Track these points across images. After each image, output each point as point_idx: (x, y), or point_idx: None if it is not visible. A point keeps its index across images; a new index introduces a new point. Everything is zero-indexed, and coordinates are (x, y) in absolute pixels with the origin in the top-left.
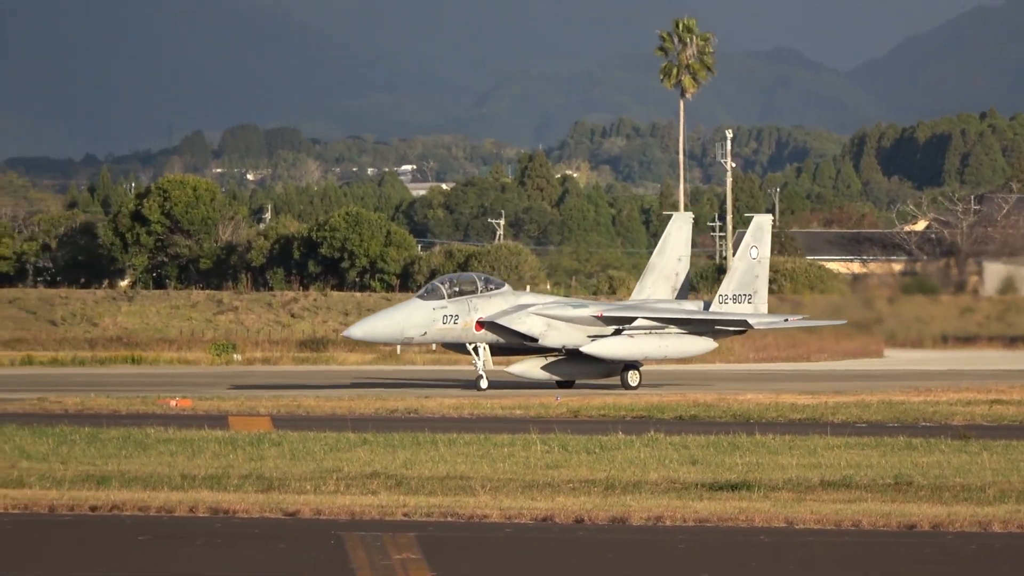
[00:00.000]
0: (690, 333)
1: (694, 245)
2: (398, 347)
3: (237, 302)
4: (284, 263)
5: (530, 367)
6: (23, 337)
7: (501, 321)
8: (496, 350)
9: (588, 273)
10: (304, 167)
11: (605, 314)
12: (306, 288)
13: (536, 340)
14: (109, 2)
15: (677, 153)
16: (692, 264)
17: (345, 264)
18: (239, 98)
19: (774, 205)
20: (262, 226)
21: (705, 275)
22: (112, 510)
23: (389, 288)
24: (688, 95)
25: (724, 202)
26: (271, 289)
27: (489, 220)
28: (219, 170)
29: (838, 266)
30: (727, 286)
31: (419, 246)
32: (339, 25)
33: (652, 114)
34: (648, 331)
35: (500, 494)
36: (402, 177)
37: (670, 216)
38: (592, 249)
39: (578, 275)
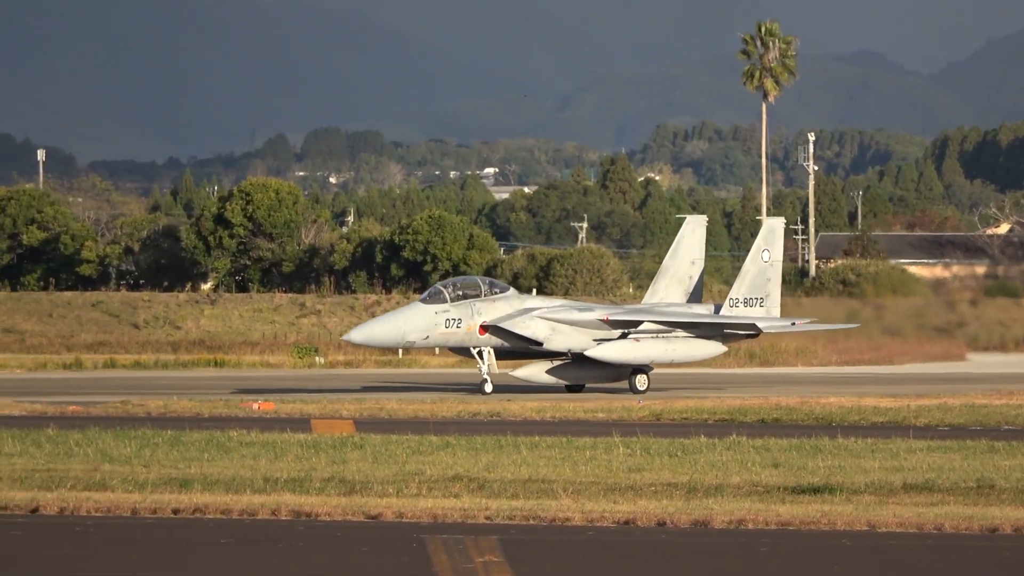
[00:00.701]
0: (698, 337)
1: None
2: (399, 351)
3: (320, 305)
4: (367, 266)
5: (535, 371)
6: (106, 340)
7: (505, 325)
8: (505, 355)
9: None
10: (386, 170)
11: (611, 318)
12: (389, 291)
13: (541, 344)
14: (192, 6)
15: (759, 156)
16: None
17: (428, 267)
18: (322, 101)
19: (856, 208)
20: (345, 229)
21: (787, 279)
22: (195, 513)
23: None
24: (770, 98)
25: (806, 205)
26: (354, 292)
27: (571, 223)
28: (302, 173)
29: (920, 269)
30: (738, 289)
31: (501, 249)
32: (422, 28)
33: (734, 117)
34: (655, 335)
35: (582, 497)
36: (484, 180)
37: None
38: None
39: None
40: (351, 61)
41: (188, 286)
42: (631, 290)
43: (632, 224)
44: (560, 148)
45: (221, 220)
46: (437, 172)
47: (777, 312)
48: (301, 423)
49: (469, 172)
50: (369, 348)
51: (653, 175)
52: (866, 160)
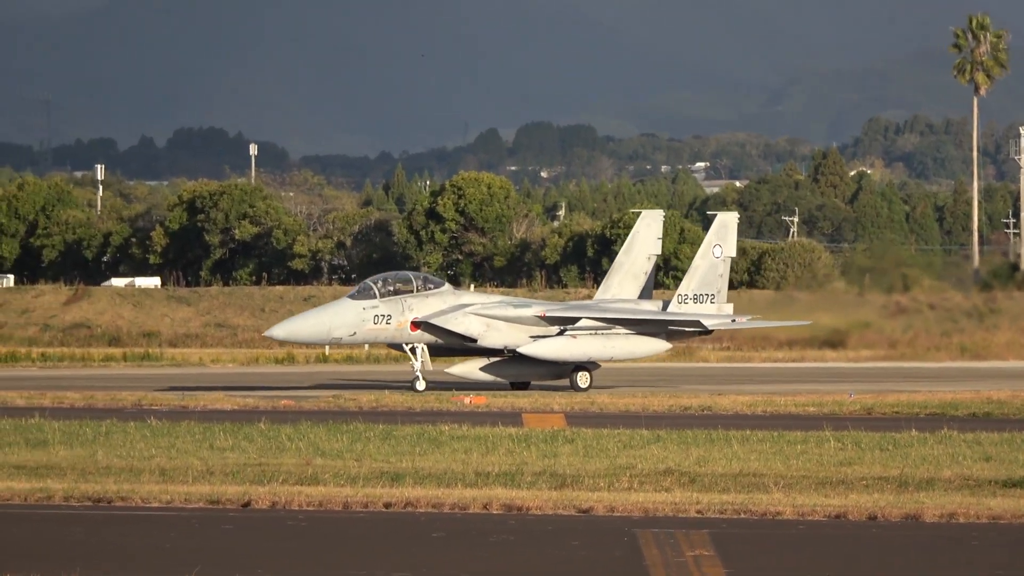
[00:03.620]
0: (641, 334)
1: (988, 242)
2: (326, 348)
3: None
4: (578, 260)
5: (470, 368)
6: None
7: (436, 321)
8: (445, 351)
9: (882, 270)
10: (598, 164)
11: (548, 314)
12: (599, 285)
13: (475, 340)
14: (405, 2)
15: (971, 150)
16: (986, 262)
17: None
18: (534, 96)
19: None
20: (556, 224)
21: (999, 273)
22: (406, 507)
23: None
24: (982, 92)
25: (1018, 199)
26: (565, 286)
27: (783, 217)
28: (513, 168)
29: None
30: (687, 285)
31: None
32: (635, 23)
33: (946, 111)
34: (593, 332)
35: (793, 491)
36: (696, 174)
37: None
38: (886, 247)
39: (872, 272)
40: (563, 56)
41: None
42: (843, 285)
43: (843, 218)
44: (771, 142)
45: (433, 214)
46: (648, 166)
47: (729, 308)
48: (512, 417)
49: (680, 166)
50: (294, 344)
51: (865, 169)
52: None
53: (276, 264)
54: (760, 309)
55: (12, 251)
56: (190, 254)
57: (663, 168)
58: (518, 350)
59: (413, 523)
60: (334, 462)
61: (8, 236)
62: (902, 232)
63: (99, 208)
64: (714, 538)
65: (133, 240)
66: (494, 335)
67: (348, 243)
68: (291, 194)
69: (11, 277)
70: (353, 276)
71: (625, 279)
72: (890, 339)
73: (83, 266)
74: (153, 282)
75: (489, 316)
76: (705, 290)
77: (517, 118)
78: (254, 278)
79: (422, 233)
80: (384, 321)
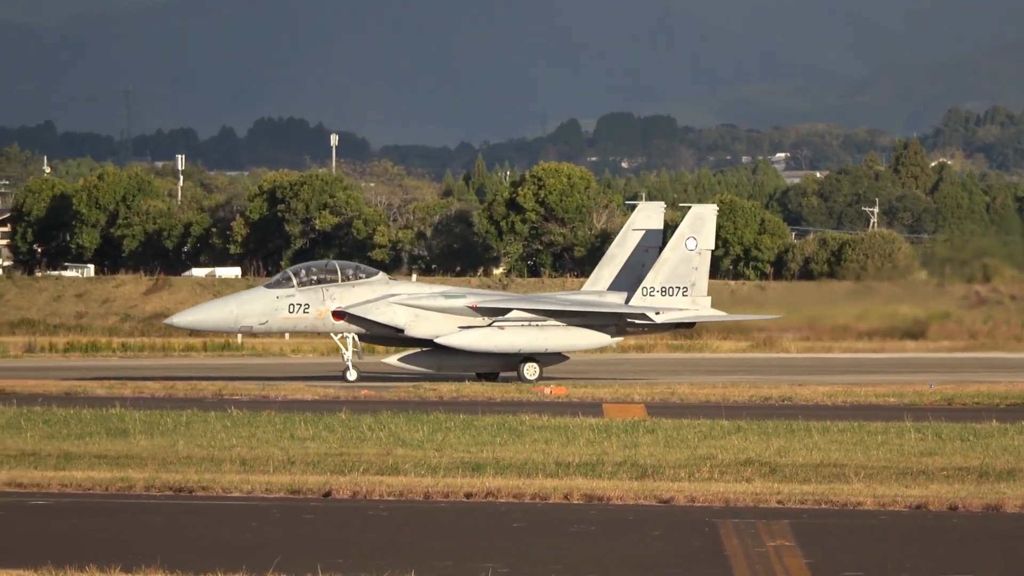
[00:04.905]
0: (584, 326)
1: None
2: (238, 336)
3: None
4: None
5: (403, 358)
6: None
7: (358, 311)
8: (385, 341)
9: (963, 261)
10: (678, 155)
11: (480, 305)
12: None
13: (402, 331)
14: None
15: None
16: None
17: (719, 252)
18: (615, 86)
19: None
20: None
21: None
22: (487, 497)
23: (763, 276)
24: None
25: None
26: None
27: (863, 208)
28: (593, 158)
29: None
30: (654, 278)
31: (793, 234)
32: (717, 13)
33: None
34: (527, 323)
35: (874, 481)
36: (776, 165)
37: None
38: (966, 237)
39: (952, 263)
40: (643, 46)
41: (480, 271)
42: (924, 275)
43: (924, 209)
44: (851, 133)
45: (513, 205)
46: (728, 157)
47: (705, 302)
48: (593, 407)
49: (761, 157)
50: (199, 332)
51: (945, 160)
52: None
53: (356, 254)
54: (839, 300)
55: (93, 241)
56: (270, 244)
57: (743, 159)
58: (437, 340)
59: (494, 513)
60: (415, 452)
61: (89, 226)
62: (982, 223)
63: (179, 198)
64: (794, 528)
65: (213, 230)
66: (422, 325)
67: (428, 233)
68: (371, 184)
69: (92, 267)
70: (433, 267)
71: (617, 271)
72: (970, 330)
73: (163, 256)
74: (234, 272)
75: (418, 306)
76: (676, 283)
77: (597, 109)
78: None
79: (502, 223)
80: (301, 310)
